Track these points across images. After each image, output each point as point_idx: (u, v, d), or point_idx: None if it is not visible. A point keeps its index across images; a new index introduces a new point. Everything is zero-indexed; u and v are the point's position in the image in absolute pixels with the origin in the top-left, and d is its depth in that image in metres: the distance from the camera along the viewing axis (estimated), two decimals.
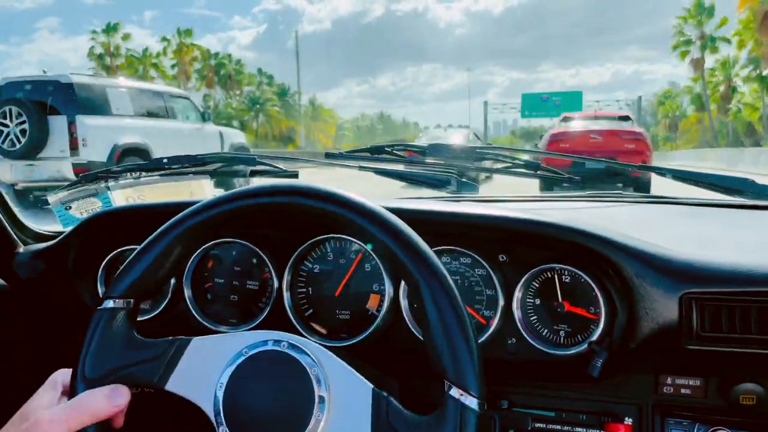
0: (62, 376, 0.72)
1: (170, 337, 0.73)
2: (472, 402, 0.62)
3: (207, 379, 0.69)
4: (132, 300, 0.74)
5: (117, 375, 0.71)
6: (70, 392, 0.70)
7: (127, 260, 0.75)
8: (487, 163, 1.39)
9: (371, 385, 0.67)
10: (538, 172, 1.23)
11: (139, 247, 0.75)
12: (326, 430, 0.65)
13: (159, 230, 0.75)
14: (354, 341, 1.00)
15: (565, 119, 11.19)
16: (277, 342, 0.70)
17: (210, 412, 0.68)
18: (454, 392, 0.63)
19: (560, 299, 0.95)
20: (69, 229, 1.17)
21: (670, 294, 0.84)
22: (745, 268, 0.83)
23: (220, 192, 0.77)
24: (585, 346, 0.91)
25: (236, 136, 12.04)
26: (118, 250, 1.15)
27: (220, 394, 0.68)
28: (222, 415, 0.67)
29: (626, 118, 11.02)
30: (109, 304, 0.73)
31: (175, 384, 0.70)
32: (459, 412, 0.62)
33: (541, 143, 10.96)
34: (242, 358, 0.69)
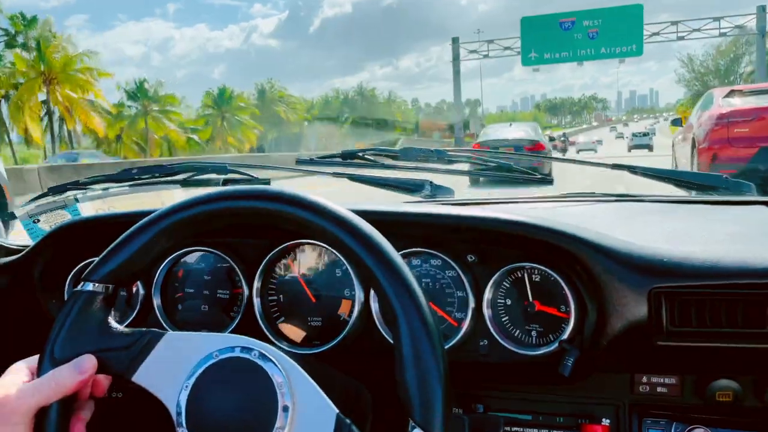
0: (28, 362, 0.71)
1: (144, 328, 0.71)
2: None
3: (174, 377, 0.68)
4: (111, 286, 0.72)
5: None
6: (38, 374, 0.68)
7: (111, 246, 0.73)
8: (462, 166, 1.39)
9: (336, 410, 0.64)
10: (512, 174, 1.22)
11: (123, 235, 0.73)
12: None
13: (146, 219, 0.73)
14: (326, 348, 0.98)
15: (732, 94, 7.44)
16: (247, 350, 0.68)
17: (173, 411, 0.66)
18: None
19: (531, 299, 0.94)
20: (35, 242, 1.15)
21: (638, 290, 0.83)
22: (713, 262, 0.82)
23: None
24: (556, 345, 0.90)
25: None
26: (86, 261, 1.13)
27: (185, 395, 0.66)
28: (183, 415, 0.66)
29: None
30: (89, 286, 0.71)
31: (142, 376, 0.69)
32: None
33: (697, 129, 7.40)
34: (211, 361, 0.68)
